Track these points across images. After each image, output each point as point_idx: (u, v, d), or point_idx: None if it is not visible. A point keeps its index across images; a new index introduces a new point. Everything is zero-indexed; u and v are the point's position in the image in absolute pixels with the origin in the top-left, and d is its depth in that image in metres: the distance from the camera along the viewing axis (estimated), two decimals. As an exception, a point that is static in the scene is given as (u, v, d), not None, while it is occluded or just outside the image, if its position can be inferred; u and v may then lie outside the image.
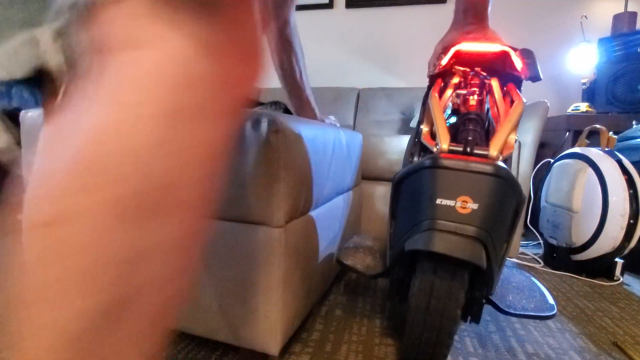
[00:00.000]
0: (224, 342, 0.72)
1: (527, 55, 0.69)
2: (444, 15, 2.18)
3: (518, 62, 0.69)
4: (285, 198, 0.63)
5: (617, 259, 1.28)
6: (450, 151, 0.57)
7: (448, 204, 0.55)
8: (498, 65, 0.73)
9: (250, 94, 0.30)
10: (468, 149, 0.56)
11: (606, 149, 1.35)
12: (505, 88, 0.71)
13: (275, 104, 1.28)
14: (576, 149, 1.42)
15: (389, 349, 0.79)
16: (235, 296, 0.67)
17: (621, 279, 1.30)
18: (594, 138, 1.49)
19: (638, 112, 1.71)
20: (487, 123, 0.75)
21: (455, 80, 0.73)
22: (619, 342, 0.86)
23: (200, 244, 0.28)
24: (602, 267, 1.30)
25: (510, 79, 0.72)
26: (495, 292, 0.82)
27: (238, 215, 0.65)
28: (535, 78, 0.68)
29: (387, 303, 1.02)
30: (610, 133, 1.39)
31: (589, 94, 1.91)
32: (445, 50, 0.74)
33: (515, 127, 0.59)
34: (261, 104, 1.30)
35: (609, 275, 1.30)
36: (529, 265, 1.44)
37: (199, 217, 0.27)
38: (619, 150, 1.39)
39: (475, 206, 0.53)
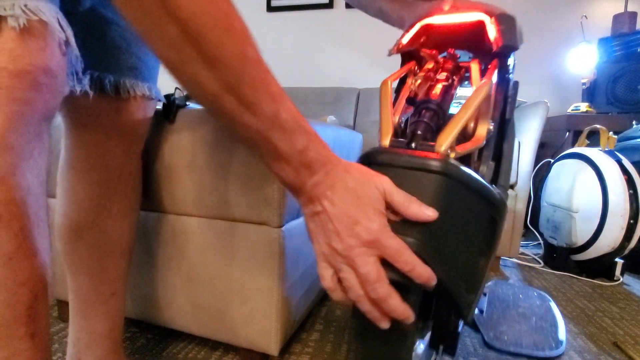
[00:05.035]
0: (224, 342, 0.72)
1: (503, 20, 0.55)
2: (444, 15, 2.18)
3: (492, 31, 0.55)
4: (285, 198, 0.63)
5: (617, 259, 1.28)
6: (392, 146, 0.45)
7: None
8: (476, 40, 0.58)
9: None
10: (413, 144, 0.44)
11: (606, 149, 1.35)
12: (489, 67, 0.56)
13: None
14: (576, 149, 1.42)
15: (389, 349, 0.79)
16: (235, 296, 0.67)
17: (621, 279, 1.30)
18: (594, 138, 1.49)
19: (638, 112, 1.71)
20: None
21: (430, 65, 0.58)
22: (619, 342, 0.86)
23: None
24: (602, 267, 1.30)
25: (495, 54, 0.57)
26: (486, 317, 0.65)
27: (238, 215, 0.65)
28: (509, 47, 0.53)
29: None
30: (610, 133, 1.39)
31: (589, 94, 1.91)
32: (410, 26, 0.59)
33: (475, 114, 0.46)
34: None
35: (609, 275, 1.30)
36: (529, 265, 1.44)
37: None
38: (619, 150, 1.39)
39: None
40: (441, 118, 0.50)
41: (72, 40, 0.37)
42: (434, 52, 0.60)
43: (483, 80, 0.49)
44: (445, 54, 0.61)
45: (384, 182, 0.37)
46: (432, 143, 0.43)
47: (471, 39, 0.59)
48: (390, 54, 0.60)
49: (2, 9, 0.31)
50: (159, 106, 0.68)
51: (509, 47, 0.53)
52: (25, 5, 0.32)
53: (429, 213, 0.37)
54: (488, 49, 0.57)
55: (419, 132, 0.46)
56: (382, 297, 0.35)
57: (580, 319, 0.98)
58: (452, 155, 0.43)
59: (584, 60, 1.89)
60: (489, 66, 0.56)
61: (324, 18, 2.37)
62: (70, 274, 0.57)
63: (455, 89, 0.57)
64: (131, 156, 0.57)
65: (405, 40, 0.58)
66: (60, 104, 0.38)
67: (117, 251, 0.57)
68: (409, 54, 0.61)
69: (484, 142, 0.48)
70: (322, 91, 2.17)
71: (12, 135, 0.32)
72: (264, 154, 0.37)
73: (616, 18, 1.90)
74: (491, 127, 0.50)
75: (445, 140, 0.42)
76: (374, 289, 0.35)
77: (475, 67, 0.56)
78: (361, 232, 0.35)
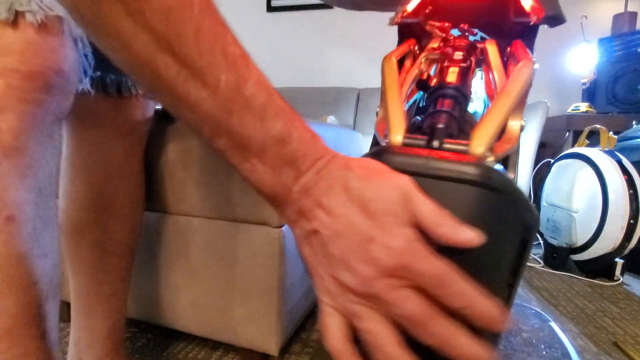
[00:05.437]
0: (224, 342, 0.72)
1: None
2: (444, 15, 2.18)
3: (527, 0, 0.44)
4: (285, 198, 0.63)
5: (617, 259, 1.28)
6: (406, 145, 0.34)
7: None
8: (496, 13, 0.47)
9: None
10: (435, 142, 0.33)
11: (606, 149, 1.35)
12: (509, 50, 0.45)
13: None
14: (576, 149, 1.42)
15: (389, 349, 0.79)
16: (235, 296, 0.67)
17: (621, 279, 1.30)
18: (594, 138, 1.49)
19: (638, 112, 1.71)
20: (484, 106, 0.52)
21: (435, 44, 0.46)
22: (619, 342, 0.86)
23: None
24: (602, 267, 1.30)
25: (518, 33, 0.46)
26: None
27: (238, 215, 0.65)
28: (554, 19, 0.41)
29: None
30: (610, 133, 1.39)
31: (589, 94, 1.91)
32: None
33: (515, 107, 0.34)
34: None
35: (609, 275, 1.30)
36: (529, 265, 1.44)
37: None
38: (619, 150, 1.39)
39: None
40: (463, 109, 0.39)
41: (85, 37, 0.36)
42: (446, 24, 0.47)
43: (522, 62, 0.37)
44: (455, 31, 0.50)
45: (402, 183, 0.25)
46: (465, 142, 0.32)
47: (491, 11, 0.47)
48: (391, 23, 0.49)
49: (19, 4, 0.30)
50: (159, 106, 0.69)
51: (554, 17, 0.40)
52: (41, 1, 0.31)
53: (471, 237, 0.24)
54: (510, 27, 0.46)
55: (441, 126, 0.35)
56: (444, 338, 0.23)
57: (580, 319, 0.98)
58: (491, 158, 0.32)
59: (584, 60, 1.89)
60: (510, 48, 0.45)
61: (324, 18, 2.37)
62: (71, 274, 0.57)
63: (474, 73, 0.46)
64: (133, 156, 0.57)
65: (410, 7, 0.47)
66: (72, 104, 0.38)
67: (118, 252, 0.57)
68: (408, 30, 0.49)
69: (519, 142, 0.37)
70: (322, 91, 2.18)
71: (24, 137, 0.32)
72: (225, 147, 0.26)
73: (616, 18, 1.90)
74: (524, 124, 0.39)
75: (484, 139, 0.31)
76: (429, 330, 0.22)
77: (492, 49, 0.43)
78: (379, 254, 0.22)
